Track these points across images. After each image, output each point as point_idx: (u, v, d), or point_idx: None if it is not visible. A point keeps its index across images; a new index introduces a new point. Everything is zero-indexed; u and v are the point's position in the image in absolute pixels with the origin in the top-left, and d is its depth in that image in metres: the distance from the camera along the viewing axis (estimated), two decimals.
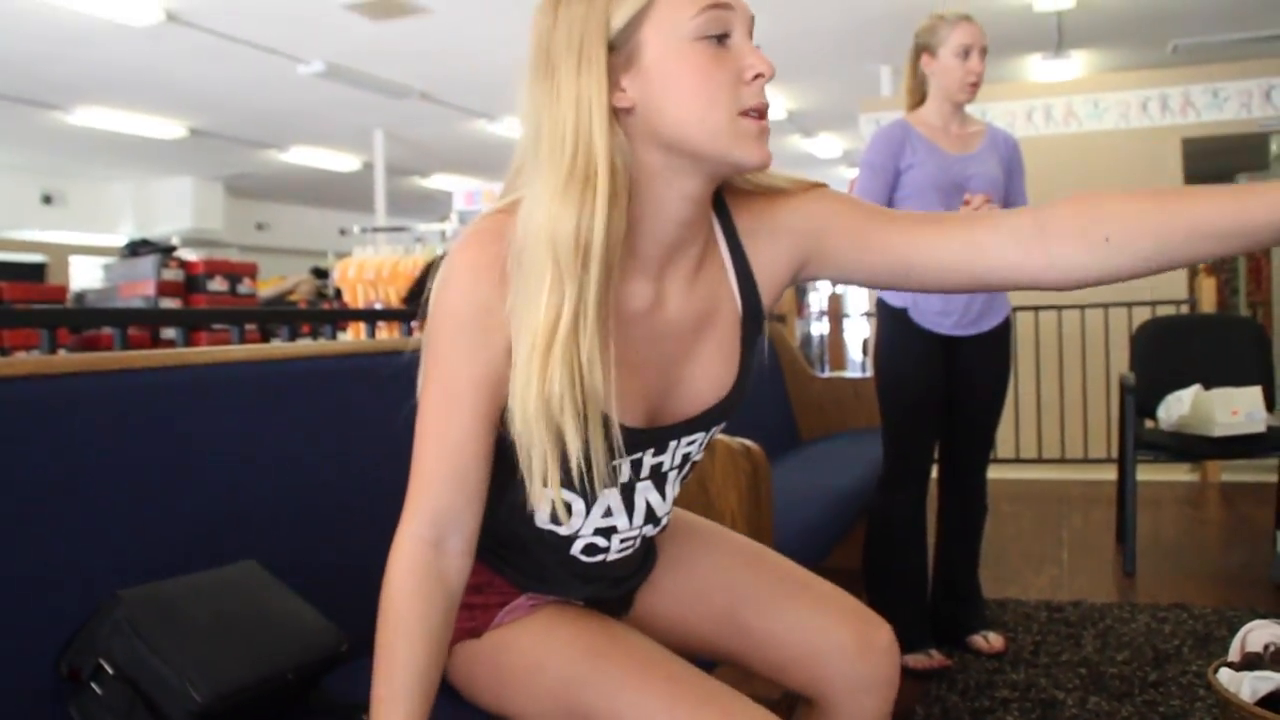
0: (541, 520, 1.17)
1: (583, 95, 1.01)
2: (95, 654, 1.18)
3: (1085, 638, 3.07)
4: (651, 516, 1.22)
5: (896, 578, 2.88)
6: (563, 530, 1.18)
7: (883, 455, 2.95)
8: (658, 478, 1.20)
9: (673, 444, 1.18)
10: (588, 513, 1.17)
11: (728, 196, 1.18)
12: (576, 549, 1.21)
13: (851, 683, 1.29)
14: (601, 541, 1.21)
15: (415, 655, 1.04)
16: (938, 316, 2.84)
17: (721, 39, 1.04)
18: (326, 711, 1.31)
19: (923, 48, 2.85)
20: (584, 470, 1.04)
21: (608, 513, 1.18)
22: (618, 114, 1.03)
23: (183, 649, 1.16)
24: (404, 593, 1.05)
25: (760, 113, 1.05)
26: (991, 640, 2.98)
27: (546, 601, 1.24)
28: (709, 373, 1.18)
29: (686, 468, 1.24)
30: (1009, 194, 2.90)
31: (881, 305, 2.94)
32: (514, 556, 1.22)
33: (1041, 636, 3.09)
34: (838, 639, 1.29)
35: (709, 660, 1.39)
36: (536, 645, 1.18)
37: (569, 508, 1.15)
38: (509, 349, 1.03)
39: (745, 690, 1.16)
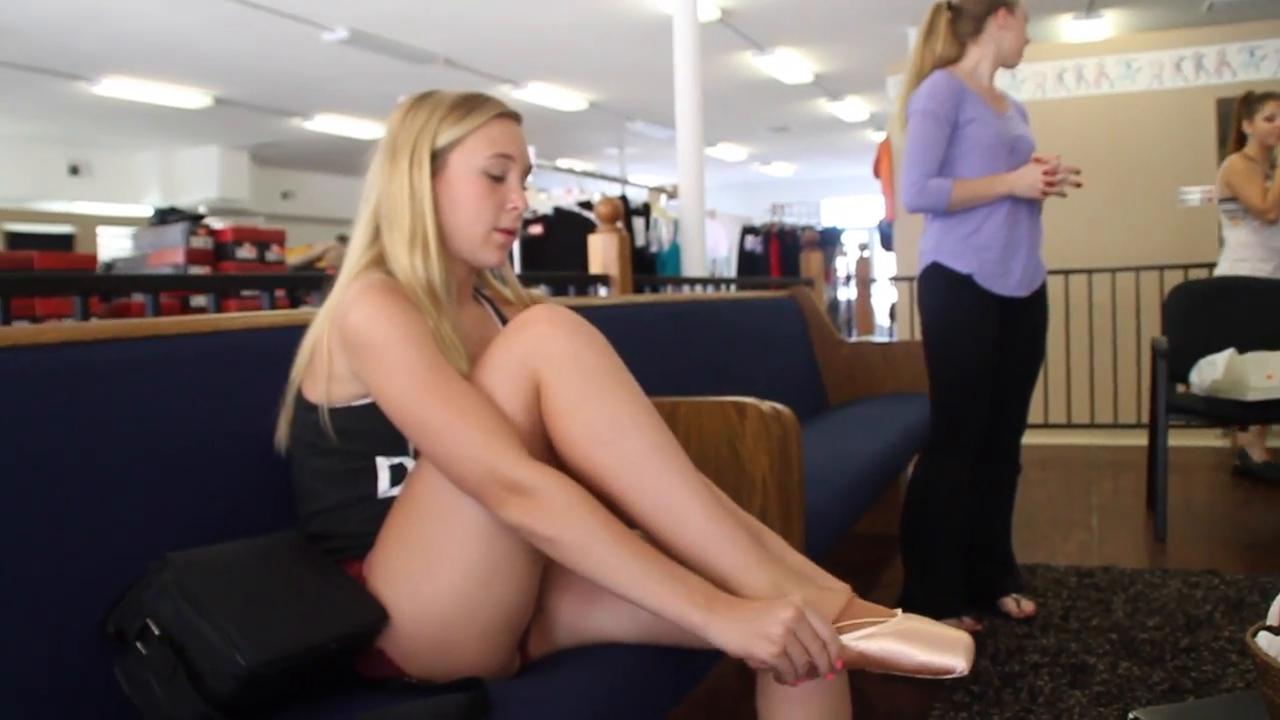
0: (383, 490, 1.40)
1: (415, 184, 1.43)
2: (141, 615, 1.19)
3: (1116, 603, 3.06)
4: None
5: (938, 545, 2.84)
6: (395, 490, 1.41)
7: (932, 421, 2.91)
8: None
9: None
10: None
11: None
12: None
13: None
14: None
15: (622, 530, 1.25)
16: (1001, 279, 2.80)
17: (498, 179, 1.47)
18: (368, 684, 1.32)
19: (1000, 4, 2.80)
20: None
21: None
22: (436, 204, 1.45)
23: (228, 613, 1.17)
24: (563, 503, 1.23)
25: (509, 232, 1.49)
26: (1023, 605, 2.97)
27: None
28: None
29: None
30: None
31: (937, 271, 2.84)
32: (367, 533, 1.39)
33: (1071, 601, 3.08)
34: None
35: (657, 643, 1.41)
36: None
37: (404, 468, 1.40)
38: None
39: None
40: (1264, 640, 1.30)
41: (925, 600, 2.89)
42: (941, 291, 2.84)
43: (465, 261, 1.50)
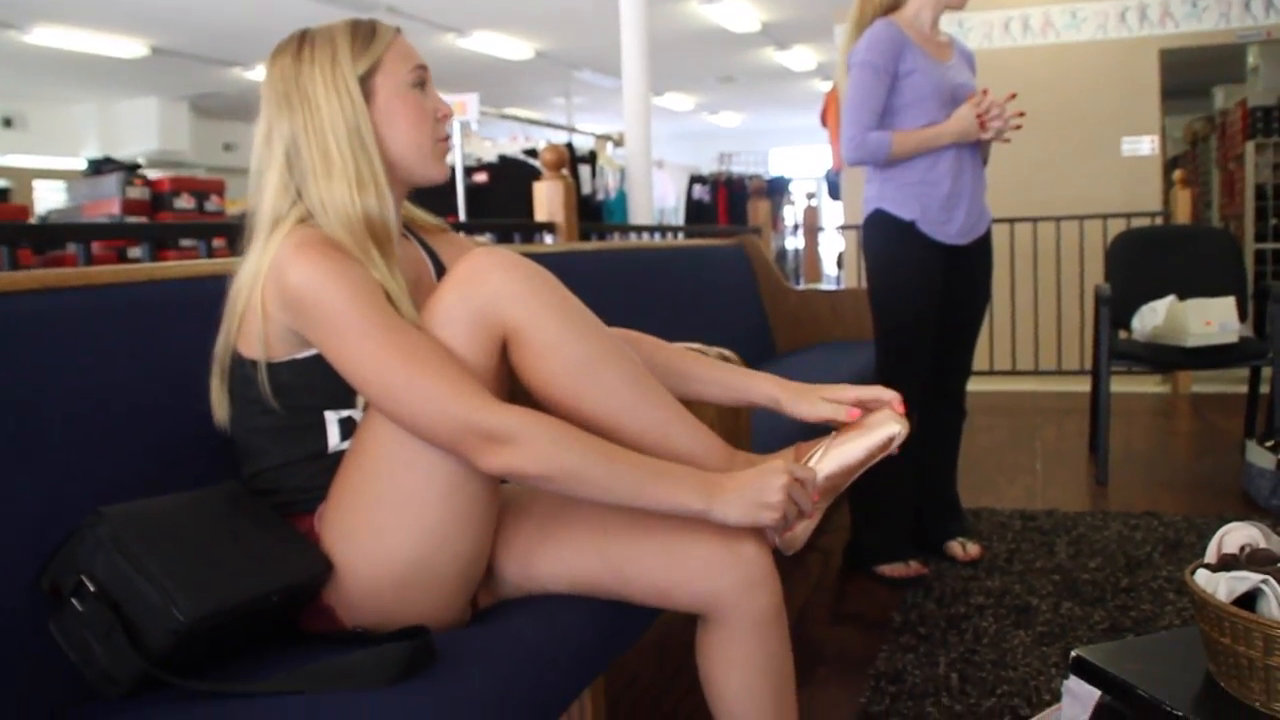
0: (334, 444, 1.37)
1: (349, 119, 1.36)
2: (76, 570, 1.16)
3: (1059, 545, 3.11)
4: None
5: (883, 490, 2.83)
6: (345, 444, 1.38)
7: (878, 368, 2.93)
8: None
9: None
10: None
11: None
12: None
13: (731, 588, 1.37)
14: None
15: (609, 447, 1.29)
16: (944, 226, 2.81)
17: (422, 89, 1.43)
18: (315, 636, 1.31)
19: None
20: None
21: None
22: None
23: (165, 567, 1.14)
24: (546, 438, 1.24)
25: (446, 139, 1.47)
26: (968, 548, 3.01)
27: None
28: None
29: None
30: None
31: (881, 217, 2.85)
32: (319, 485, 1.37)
33: (1016, 544, 3.13)
34: (704, 551, 1.37)
35: (602, 601, 1.43)
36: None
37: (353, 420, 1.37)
38: None
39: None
40: (1201, 578, 1.33)
41: (873, 545, 2.92)
42: (885, 238, 2.86)
43: (411, 185, 1.47)
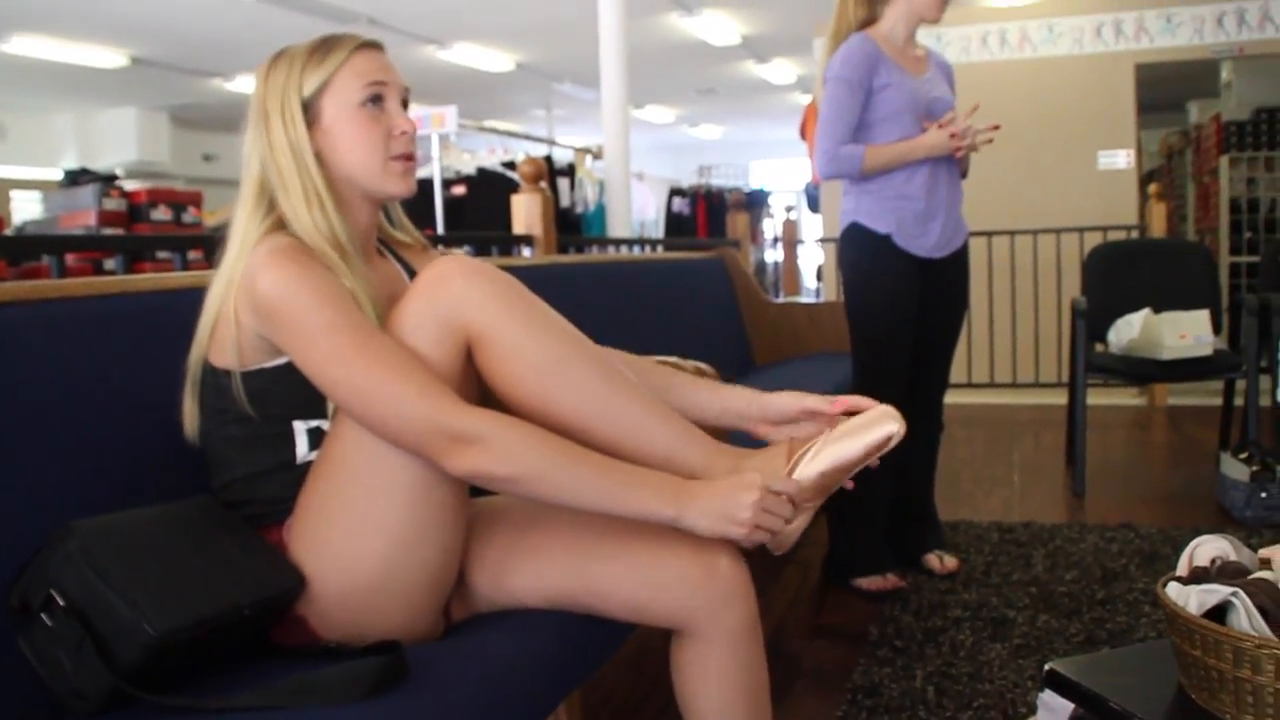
0: (302, 455, 1.37)
1: (293, 140, 1.39)
2: (46, 585, 1.15)
3: (1035, 557, 3.12)
4: None
5: (859, 502, 2.82)
6: (314, 455, 1.37)
7: (855, 381, 2.94)
8: None
9: None
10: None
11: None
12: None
13: (705, 604, 1.37)
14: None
15: (579, 451, 1.28)
16: (919, 240, 2.83)
17: (377, 106, 1.43)
18: (289, 650, 1.30)
19: None
20: None
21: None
22: (319, 155, 1.41)
23: (136, 581, 1.13)
24: (514, 439, 1.24)
25: (406, 158, 1.45)
26: (945, 561, 3.02)
27: None
28: None
29: None
30: None
31: (857, 231, 2.87)
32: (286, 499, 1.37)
33: (993, 557, 3.14)
34: (678, 567, 1.36)
35: (577, 615, 1.42)
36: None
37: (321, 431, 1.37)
38: None
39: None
40: (1173, 590, 1.33)
41: (851, 558, 2.93)
42: (861, 251, 2.87)
43: (371, 201, 1.47)
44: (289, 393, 1.34)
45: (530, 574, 1.40)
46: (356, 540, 1.29)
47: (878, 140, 2.79)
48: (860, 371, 2.92)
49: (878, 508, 2.94)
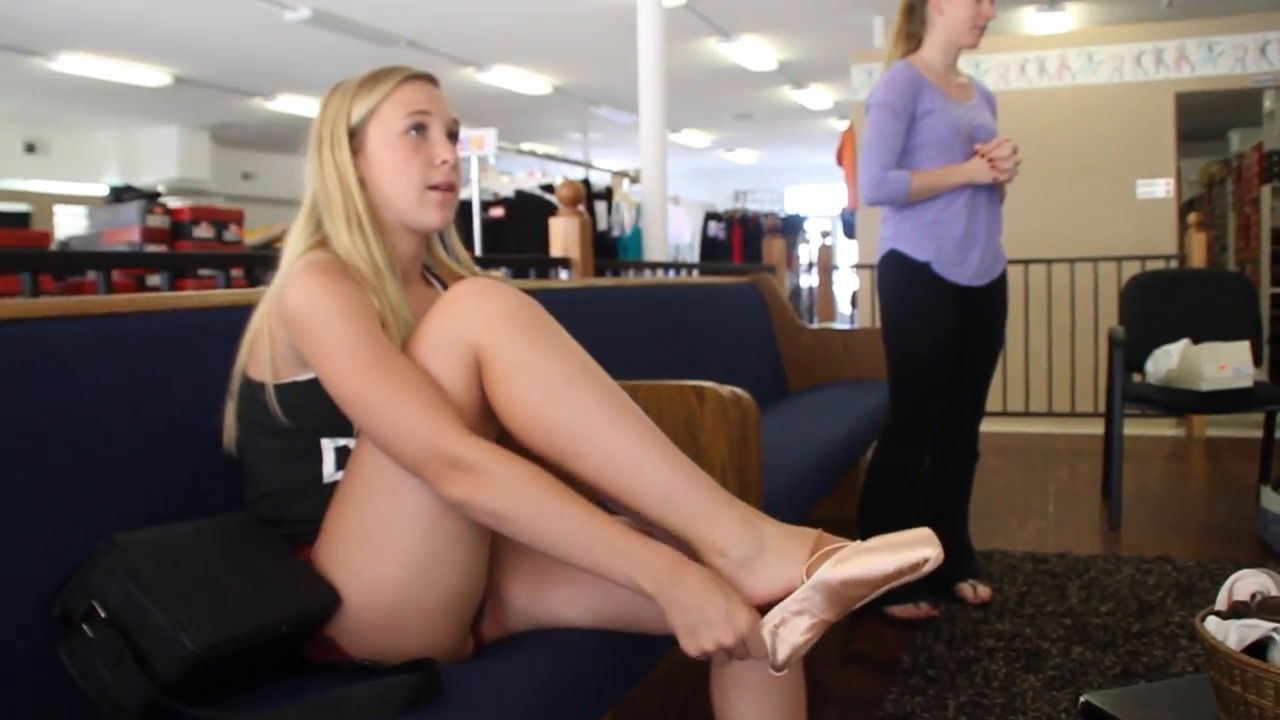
0: (329, 474, 1.39)
1: (339, 166, 1.44)
2: (88, 596, 1.17)
3: (1070, 589, 3.09)
4: None
5: (894, 530, 2.83)
6: (340, 475, 1.38)
7: (891, 408, 2.94)
8: None
9: None
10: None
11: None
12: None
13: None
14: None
15: (573, 502, 1.23)
16: (958, 268, 2.83)
17: (420, 135, 1.46)
18: (326, 668, 1.31)
19: None
20: None
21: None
22: (363, 181, 1.46)
23: (176, 595, 1.15)
24: (508, 476, 1.22)
25: (445, 189, 1.47)
26: (979, 590, 3.00)
27: None
28: None
29: None
30: None
31: (895, 258, 2.88)
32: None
33: (1027, 587, 3.11)
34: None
35: (612, 628, 1.41)
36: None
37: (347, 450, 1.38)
38: None
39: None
40: (1212, 625, 1.32)
41: None
42: (900, 278, 2.87)
43: (408, 230, 1.49)
44: (318, 408, 1.35)
45: (568, 586, 1.40)
46: (374, 562, 1.29)
47: (921, 166, 2.80)
48: (897, 399, 2.91)
49: None
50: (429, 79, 1.50)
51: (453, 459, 1.22)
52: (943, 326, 2.83)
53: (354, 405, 1.28)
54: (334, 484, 1.37)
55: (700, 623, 1.20)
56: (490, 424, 1.35)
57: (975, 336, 2.93)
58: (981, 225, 2.85)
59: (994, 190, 2.88)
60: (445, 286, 1.58)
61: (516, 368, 1.30)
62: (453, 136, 1.51)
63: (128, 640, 1.14)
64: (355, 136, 1.46)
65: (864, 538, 1.26)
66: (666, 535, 1.30)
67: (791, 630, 1.26)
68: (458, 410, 1.28)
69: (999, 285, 2.95)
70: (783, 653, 1.25)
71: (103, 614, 1.15)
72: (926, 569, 1.28)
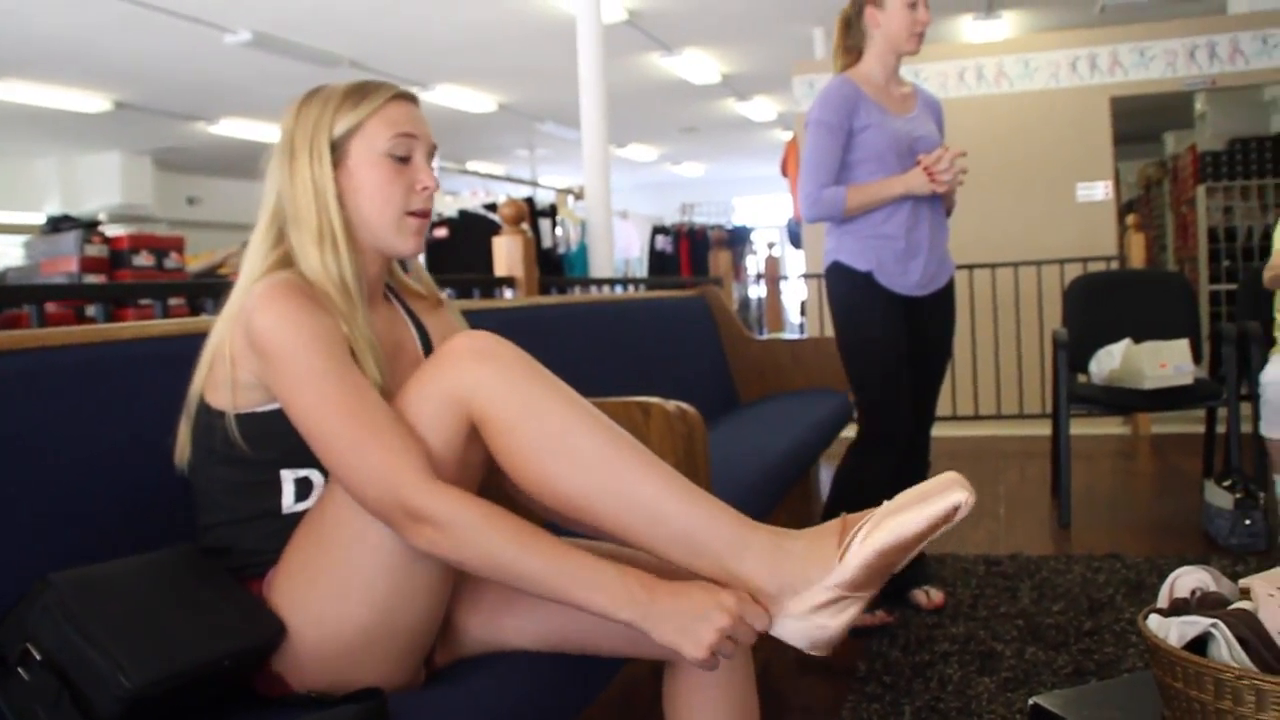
0: (288, 504, 1.35)
1: (316, 178, 1.39)
2: (23, 638, 1.14)
3: (1022, 590, 3.12)
4: None
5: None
6: (300, 505, 1.36)
7: (859, 419, 2.94)
8: None
9: None
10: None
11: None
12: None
13: None
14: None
15: (539, 542, 1.21)
16: (900, 278, 2.84)
17: (404, 159, 1.43)
18: (273, 701, 1.29)
19: (865, 1, 2.83)
20: None
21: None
22: (341, 197, 1.41)
23: (113, 634, 1.13)
24: (468, 525, 1.19)
25: (422, 215, 1.45)
26: (932, 595, 3.01)
27: None
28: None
29: None
30: None
31: (839, 270, 2.89)
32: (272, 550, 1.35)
33: (980, 590, 3.14)
34: None
35: (564, 652, 1.41)
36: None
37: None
38: None
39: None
40: (1154, 623, 1.34)
41: None
42: (845, 289, 2.89)
43: (380, 253, 1.46)
44: (279, 439, 1.32)
45: (524, 615, 1.39)
46: (336, 600, 1.27)
47: (860, 180, 2.81)
48: (866, 409, 2.91)
49: None
50: (413, 99, 1.48)
51: (414, 511, 1.20)
52: (894, 332, 2.84)
53: (319, 444, 1.26)
54: (292, 515, 1.34)
55: (690, 621, 1.18)
56: (473, 476, 1.33)
57: (923, 346, 2.94)
58: (924, 236, 2.86)
59: (937, 201, 2.90)
60: (405, 305, 1.56)
61: (514, 424, 1.27)
62: (427, 156, 1.48)
63: (65, 681, 1.11)
64: (336, 150, 1.41)
65: None
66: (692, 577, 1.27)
67: (835, 619, 1.25)
68: (434, 459, 1.25)
69: (945, 294, 2.97)
70: (824, 646, 1.26)
71: (38, 656, 1.13)
72: (959, 516, 1.24)
